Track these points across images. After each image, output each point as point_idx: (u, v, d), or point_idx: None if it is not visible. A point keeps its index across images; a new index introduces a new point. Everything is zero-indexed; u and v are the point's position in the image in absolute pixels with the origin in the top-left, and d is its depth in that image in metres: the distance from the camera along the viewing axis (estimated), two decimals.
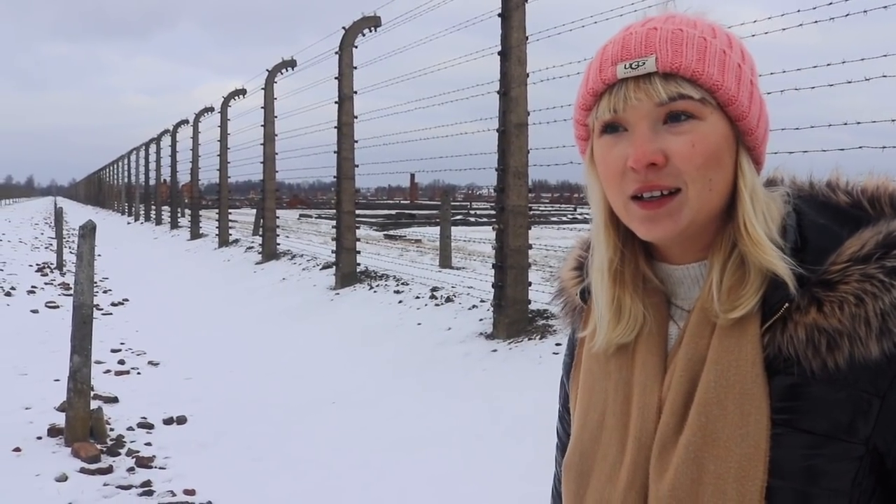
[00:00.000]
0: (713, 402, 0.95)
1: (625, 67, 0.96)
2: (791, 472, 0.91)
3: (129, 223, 34.22)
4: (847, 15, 4.33)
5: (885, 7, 3.79)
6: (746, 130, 0.97)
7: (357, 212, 11.01)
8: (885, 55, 4.36)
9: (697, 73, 0.94)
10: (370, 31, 10.48)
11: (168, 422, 5.58)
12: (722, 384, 0.94)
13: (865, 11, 4.12)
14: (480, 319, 7.03)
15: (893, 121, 4.42)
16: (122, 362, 7.45)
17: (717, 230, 1.00)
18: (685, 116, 0.95)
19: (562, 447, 1.27)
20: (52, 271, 14.97)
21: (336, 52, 10.61)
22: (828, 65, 4.71)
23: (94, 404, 5.29)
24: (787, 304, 0.93)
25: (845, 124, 4.82)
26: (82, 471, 4.60)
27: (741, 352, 0.94)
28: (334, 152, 10.59)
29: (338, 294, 9.69)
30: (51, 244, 20.68)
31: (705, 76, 0.94)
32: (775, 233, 0.96)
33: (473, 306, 7.46)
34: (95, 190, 66.93)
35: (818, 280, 0.93)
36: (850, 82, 4.37)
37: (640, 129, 0.95)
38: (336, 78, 10.60)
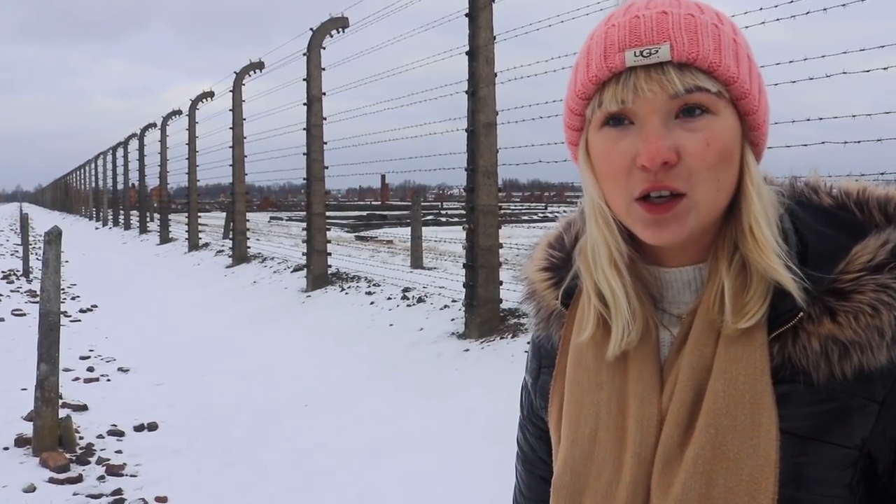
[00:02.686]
0: (723, 413, 0.90)
1: (635, 55, 0.87)
2: (797, 480, 0.89)
3: (97, 228, 33.79)
4: (808, 13, 4.40)
5: (844, 5, 3.86)
6: (755, 125, 0.92)
7: (328, 213, 10.97)
8: (844, 52, 4.43)
9: (714, 64, 0.87)
10: (338, 31, 10.45)
11: (139, 428, 5.52)
12: (731, 394, 0.90)
13: (825, 9, 4.19)
14: (452, 319, 7.04)
15: (855, 116, 4.50)
16: (91, 369, 7.35)
17: (718, 231, 0.95)
18: (700, 111, 0.88)
19: (523, 458, 1.20)
20: (18, 278, 14.74)
21: (304, 54, 10.57)
22: (790, 62, 4.79)
23: (62, 413, 5.22)
24: (800, 314, 0.89)
25: (808, 120, 4.89)
26: (51, 480, 4.53)
27: (750, 360, 0.90)
28: (304, 154, 10.55)
29: (309, 296, 9.66)
30: (17, 251, 20.35)
31: (722, 68, 0.88)
32: (778, 236, 0.92)
33: (445, 306, 7.47)
34: (62, 195, 65.98)
35: (829, 289, 0.90)
36: (811, 79, 4.44)
37: (652, 124, 0.88)
38: (304, 80, 10.56)
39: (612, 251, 0.97)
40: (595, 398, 1.00)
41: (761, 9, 4.87)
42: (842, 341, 0.88)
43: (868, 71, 4.26)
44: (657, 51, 0.86)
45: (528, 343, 1.20)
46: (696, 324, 0.94)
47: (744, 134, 0.92)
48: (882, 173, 4.54)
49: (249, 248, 14.21)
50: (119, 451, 5.07)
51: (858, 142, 4.38)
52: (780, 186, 0.98)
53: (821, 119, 4.83)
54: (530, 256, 1.16)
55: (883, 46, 4.23)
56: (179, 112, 20.09)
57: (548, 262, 1.11)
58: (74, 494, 4.38)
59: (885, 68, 4.15)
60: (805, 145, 4.60)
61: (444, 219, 30.00)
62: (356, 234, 21.75)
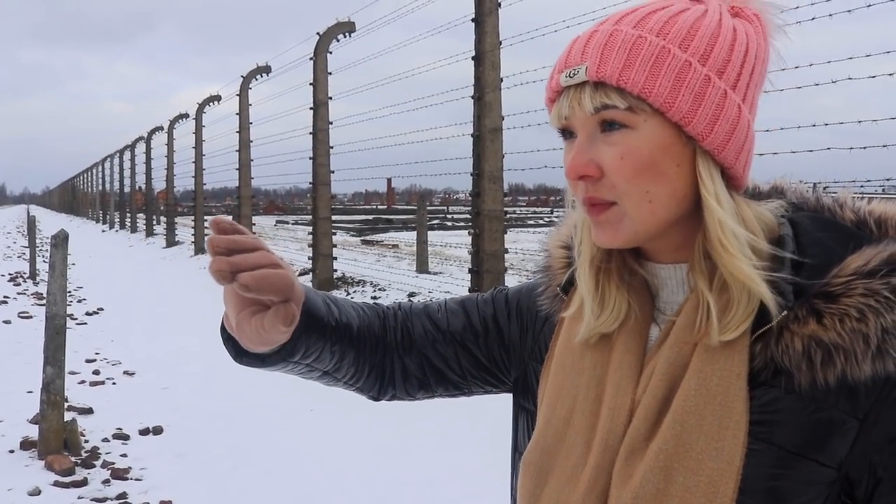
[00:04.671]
0: (691, 412, 0.90)
1: (565, 76, 0.93)
2: (760, 490, 0.87)
3: (103, 231, 33.88)
4: (813, 18, 4.39)
5: (849, 11, 3.86)
6: (697, 136, 0.90)
7: (334, 217, 10.98)
8: (850, 58, 4.43)
9: (622, 80, 0.89)
10: (345, 36, 10.48)
11: (144, 432, 5.53)
12: (703, 393, 0.90)
13: (831, 15, 4.18)
14: None
15: (860, 122, 4.49)
16: (96, 373, 7.37)
17: (687, 234, 0.96)
18: (617, 125, 0.91)
19: (439, 303, 1.27)
20: (24, 281, 14.79)
21: (310, 58, 10.59)
22: (796, 67, 4.78)
23: (68, 416, 5.23)
24: (784, 312, 0.88)
25: (814, 126, 4.88)
26: (56, 484, 4.54)
27: (728, 362, 0.90)
28: (310, 158, 10.57)
29: None
30: (23, 253, 20.42)
31: (630, 84, 0.89)
32: (763, 241, 0.91)
33: None
34: (69, 198, 66.24)
35: (819, 291, 0.89)
36: (817, 84, 4.43)
37: (579, 139, 0.94)
38: (311, 84, 10.58)
39: (586, 252, 1.02)
40: (575, 382, 1.02)
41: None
42: (826, 344, 0.86)
43: (874, 77, 4.25)
44: (578, 71, 0.92)
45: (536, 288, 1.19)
46: (679, 321, 0.96)
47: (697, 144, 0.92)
48: (888, 179, 4.52)
49: None
50: (124, 455, 5.08)
51: (864, 147, 4.38)
52: (791, 197, 0.99)
53: (826, 125, 4.82)
54: (558, 228, 1.18)
55: (889, 52, 4.22)
56: (186, 115, 20.17)
57: (571, 240, 1.11)
58: (79, 498, 4.39)
59: (890, 74, 4.14)
60: (811, 151, 4.59)
61: (449, 223, 30.01)
62: (362, 238, 21.77)
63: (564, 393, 1.03)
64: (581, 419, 0.99)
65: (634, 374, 0.97)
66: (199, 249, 17.62)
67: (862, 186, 5.82)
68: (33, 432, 5.15)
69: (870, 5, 3.94)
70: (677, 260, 0.99)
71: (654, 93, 0.89)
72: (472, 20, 6.81)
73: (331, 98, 10.54)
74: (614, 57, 0.90)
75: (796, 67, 4.77)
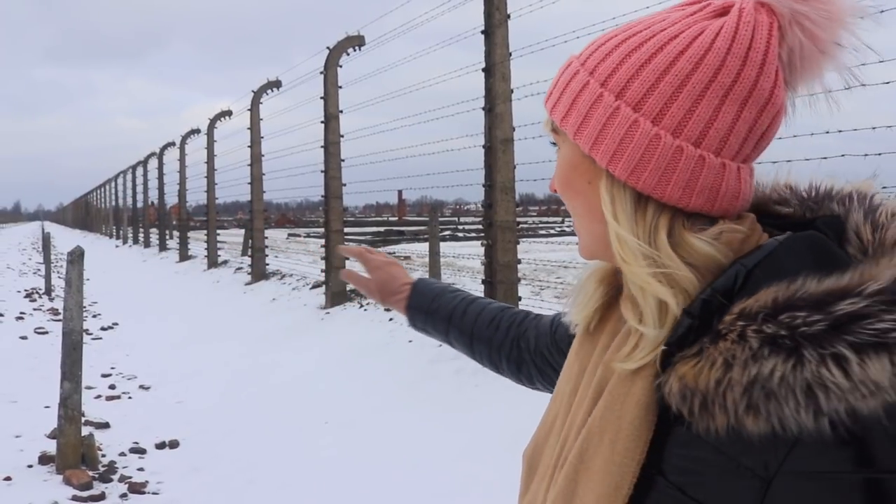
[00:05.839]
0: (595, 431, 0.90)
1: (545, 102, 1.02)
2: None
3: (117, 246, 34.08)
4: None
5: (862, 18, 3.85)
6: (602, 160, 0.90)
7: (346, 230, 11.01)
8: (863, 64, 4.41)
9: (548, 105, 0.97)
10: (355, 50, 10.53)
11: (160, 446, 5.55)
12: (606, 416, 0.89)
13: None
14: None
15: (875, 128, 4.48)
16: (112, 387, 7.41)
17: None
18: (557, 147, 1.00)
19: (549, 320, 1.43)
20: (40, 297, 14.89)
21: (321, 72, 10.65)
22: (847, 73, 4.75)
23: (85, 430, 5.26)
24: (663, 348, 0.85)
25: (827, 133, 4.87)
26: (74, 498, 4.56)
27: (632, 387, 0.88)
28: (322, 171, 10.61)
29: (328, 313, 9.68)
30: (39, 269, 20.57)
31: (554, 112, 0.96)
32: (682, 268, 0.86)
33: None
34: (83, 214, 66.66)
35: (714, 330, 0.82)
36: (830, 91, 4.40)
37: None
38: (321, 98, 10.64)
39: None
40: (562, 386, 1.06)
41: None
42: (693, 390, 0.81)
43: (888, 83, 4.24)
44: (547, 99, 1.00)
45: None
46: (602, 339, 0.99)
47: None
48: None
49: (268, 265, 14.28)
50: (141, 469, 5.10)
51: (879, 154, 4.36)
52: (842, 203, 0.93)
53: (840, 131, 4.81)
54: None
55: None
56: (198, 131, 20.27)
57: None
58: None
59: None
60: (825, 158, 4.57)
61: (461, 234, 30.02)
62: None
63: (556, 392, 1.07)
64: (559, 421, 1.02)
65: (598, 391, 0.97)
66: (212, 263, 17.69)
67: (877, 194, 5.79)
68: (51, 447, 5.18)
69: (883, 11, 3.94)
70: None
71: (561, 119, 0.94)
72: (482, 32, 6.84)
73: (341, 111, 10.59)
74: (555, 83, 0.98)
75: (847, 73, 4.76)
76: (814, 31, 0.87)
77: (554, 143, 1.00)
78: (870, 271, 0.80)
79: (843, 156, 4.44)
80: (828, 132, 4.81)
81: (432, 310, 1.55)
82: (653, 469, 0.85)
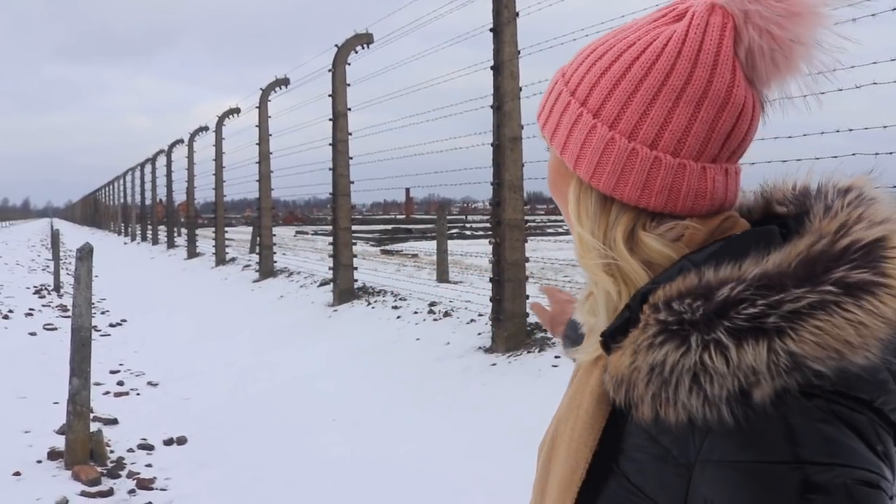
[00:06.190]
0: (563, 419, 0.98)
1: None
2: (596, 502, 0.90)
3: (125, 243, 34.20)
4: (836, 24, 4.35)
5: (874, 15, 3.83)
6: (569, 162, 0.95)
7: (353, 227, 11.02)
8: (874, 62, 4.39)
9: (538, 112, 1.03)
10: (363, 47, 10.53)
11: (168, 442, 5.57)
12: (571, 404, 0.97)
13: (854, 20, 4.14)
14: (479, 333, 7.03)
15: (886, 127, 4.45)
16: (121, 383, 7.43)
17: None
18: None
19: None
20: (49, 293, 14.95)
21: (329, 70, 10.66)
22: (818, 73, 4.73)
23: (93, 426, 5.28)
24: (600, 339, 0.90)
25: (837, 131, 4.84)
26: (83, 494, 4.58)
27: (590, 378, 0.94)
28: (330, 169, 10.62)
29: (336, 311, 9.69)
30: (48, 266, 20.65)
31: (539, 116, 1.02)
32: (633, 263, 0.91)
33: (471, 320, 7.46)
34: (92, 211, 66.91)
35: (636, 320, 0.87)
36: (840, 90, 4.38)
37: None
38: (330, 95, 10.64)
39: None
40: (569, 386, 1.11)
41: None
42: (618, 377, 0.85)
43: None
44: None
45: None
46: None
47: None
48: None
49: (276, 262, 14.31)
50: (149, 465, 5.12)
51: (891, 153, 4.33)
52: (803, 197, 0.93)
53: (851, 130, 4.78)
54: None
55: None
56: (206, 128, 20.32)
57: None
58: None
59: None
60: (835, 157, 4.55)
61: (468, 232, 30.01)
62: (381, 247, 21.82)
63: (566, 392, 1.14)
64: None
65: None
66: (219, 261, 17.73)
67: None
68: (60, 443, 5.20)
69: (894, 8, 3.91)
70: None
71: (543, 124, 1.01)
72: (490, 30, 6.83)
73: (350, 109, 10.59)
74: (546, 96, 1.02)
75: (819, 73, 4.74)
76: (770, 30, 0.87)
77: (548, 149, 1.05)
78: (774, 257, 0.81)
79: (853, 154, 4.41)
80: (838, 130, 4.79)
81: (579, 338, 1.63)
82: (607, 457, 0.89)
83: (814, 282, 0.78)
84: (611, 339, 0.88)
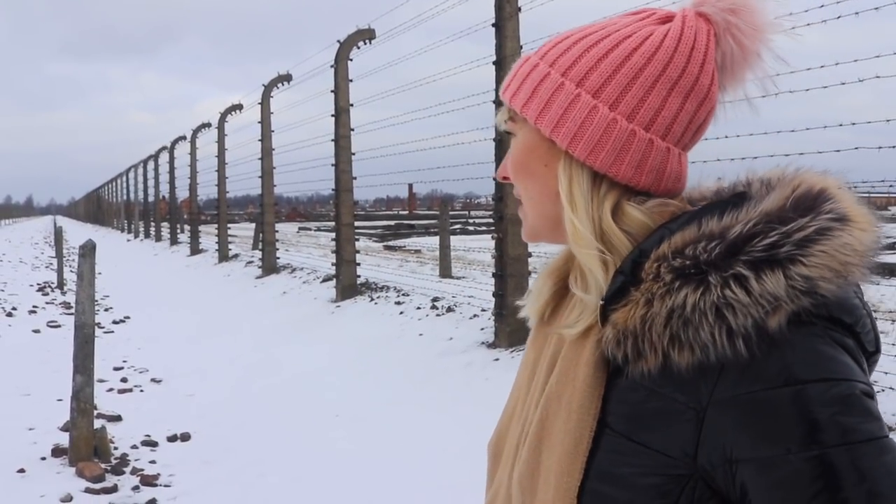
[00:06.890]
0: (553, 396, 0.97)
1: (502, 94, 1.07)
2: (604, 474, 0.90)
3: (128, 240, 34.25)
4: (839, 17, 4.35)
5: (877, 8, 3.81)
6: (563, 141, 0.98)
7: (356, 223, 11.02)
8: (878, 56, 4.38)
9: (506, 96, 1.04)
10: (365, 43, 10.52)
11: (172, 439, 5.57)
12: (561, 380, 0.97)
13: (857, 13, 4.14)
14: (482, 329, 7.03)
15: (889, 121, 4.43)
16: (124, 380, 7.45)
17: None
18: (512, 135, 1.06)
19: None
20: (52, 290, 14.98)
21: (331, 66, 10.65)
22: (821, 66, 4.73)
23: (97, 423, 5.29)
24: (601, 303, 0.93)
25: (841, 125, 4.84)
26: (87, 490, 4.59)
27: (581, 348, 0.96)
28: (332, 165, 10.61)
29: (339, 307, 9.70)
30: (51, 263, 20.68)
31: (513, 101, 1.02)
32: (620, 236, 0.95)
33: (474, 315, 7.46)
34: (95, 208, 67.01)
35: (638, 279, 0.91)
36: (843, 84, 4.38)
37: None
38: (332, 91, 10.64)
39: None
40: (520, 372, 1.12)
41: (791, 14, 4.80)
42: (625, 333, 0.89)
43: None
44: (503, 93, 1.06)
45: None
46: (561, 312, 1.05)
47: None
48: None
49: (279, 258, 14.31)
50: (153, 462, 5.13)
51: (894, 146, 4.32)
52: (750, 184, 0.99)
53: (854, 124, 4.77)
54: None
55: None
56: (209, 125, 20.32)
57: None
58: None
59: None
60: (838, 151, 4.54)
61: (471, 228, 29.99)
62: (384, 243, 21.83)
63: (515, 383, 1.13)
64: (520, 406, 1.07)
65: (552, 363, 1.03)
66: (223, 257, 17.75)
67: (891, 186, 5.75)
68: (64, 440, 5.21)
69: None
70: None
71: (522, 107, 1.01)
72: (493, 25, 6.81)
73: (352, 105, 10.58)
74: (511, 77, 1.04)
75: (822, 66, 4.73)
76: (742, 41, 0.98)
77: (508, 133, 1.06)
78: (765, 203, 0.90)
79: (856, 148, 4.40)
80: (841, 125, 4.78)
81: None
82: (602, 423, 0.92)
83: (815, 212, 0.88)
84: (609, 304, 0.92)
